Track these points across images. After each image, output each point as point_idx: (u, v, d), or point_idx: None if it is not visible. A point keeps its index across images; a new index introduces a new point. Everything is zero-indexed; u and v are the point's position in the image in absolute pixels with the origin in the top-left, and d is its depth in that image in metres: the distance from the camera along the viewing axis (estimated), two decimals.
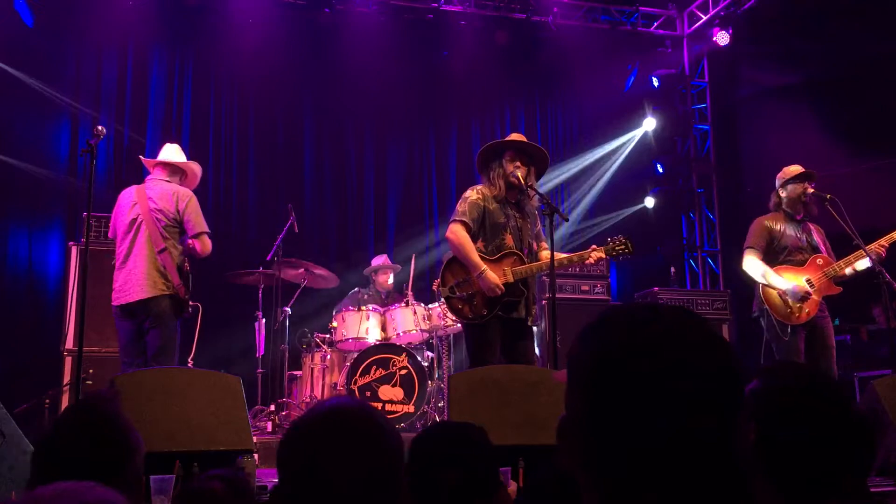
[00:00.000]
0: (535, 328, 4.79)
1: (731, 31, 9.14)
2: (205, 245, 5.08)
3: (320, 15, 8.56)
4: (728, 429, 0.91)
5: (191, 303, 5.13)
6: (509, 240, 4.62)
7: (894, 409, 3.96)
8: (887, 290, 4.96)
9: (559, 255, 4.46)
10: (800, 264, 5.20)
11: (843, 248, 5.27)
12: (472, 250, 4.54)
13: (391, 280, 7.50)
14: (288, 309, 6.64)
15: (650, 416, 0.89)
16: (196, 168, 5.43)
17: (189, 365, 6.16)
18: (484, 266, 4.49)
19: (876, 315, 7.81)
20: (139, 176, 7.97)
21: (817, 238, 5.30)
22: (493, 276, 4.47)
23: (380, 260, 7.59)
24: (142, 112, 8.29)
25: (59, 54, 8.01)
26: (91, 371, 5.86)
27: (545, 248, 4.82)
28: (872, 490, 3.21)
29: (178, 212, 5.05)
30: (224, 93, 8.65)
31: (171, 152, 5.35)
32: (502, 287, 4.47)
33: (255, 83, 8.64)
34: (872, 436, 1.56)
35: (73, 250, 6.42)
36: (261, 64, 8.49)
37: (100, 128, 4.52)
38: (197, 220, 5.09)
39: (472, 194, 4.69)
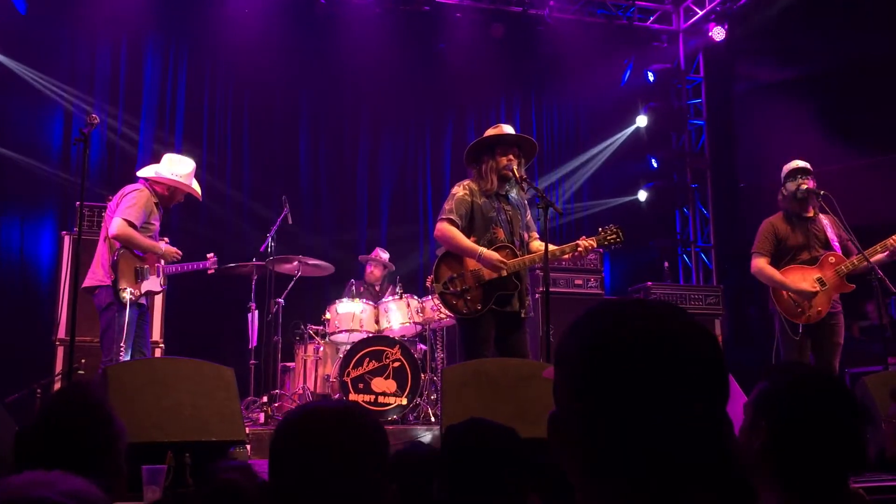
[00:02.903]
0: (530, 318, 4.77)
1: (726, 27, 9.16)
2: (116, 226, 5.07)
3: (316, 6, 8.53)
4: (718, 422, 0.91)
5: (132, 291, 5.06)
6: (500, 233, 4.61)
7: (885, 406, 3.98)
8: (880, 287, 4.97)
9: (551, 248, 4.46)
10: (810, 263, 5.18)
11: None
12: (462, 238, 4.53)
13: (381, 274, 7.50)
14: (281, 300, 6.63)
15: (640, 411, 0.88)
16: (162, 179, 5.39)
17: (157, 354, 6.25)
18: (480, 248, 4.49)
19: (870, 311, 7.83)
20: (132, 165, 7.99)
21: (831, 233, 5.24)
22: (493, 254, 4.47)
23: (373, 252, 7.60)
24: (136, 101, 8.25)
25: (53, 42, 7.96)
26: (83, 361, 5.85)
27: (536, 238, 4.83)
28: (866, 486, 3.23)
29: (118, 206, 5.18)
30: (219, 83, 8.61)
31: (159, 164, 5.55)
32: (506, 262, 4.47)
33: (250, 73, 8.60)
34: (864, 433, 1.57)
35: (66, 240, 6.41)
36: (256, 54, 8.45)
37: (93, 116, 4.53)
38: (123, 206, 5.13)
39: (458, 191, 4.67)
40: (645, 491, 0.88)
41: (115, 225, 5.06)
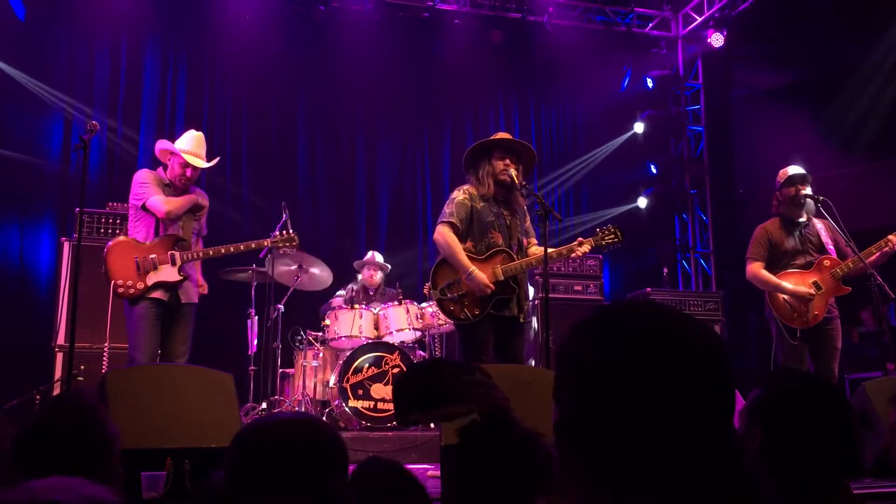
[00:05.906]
0: (528, 324, 4.77)
1: (725, 33, 9.18)
2: (154, 208, 4.84)
3: (315, 12, 8.56)
4: (726, 428, 0.89)
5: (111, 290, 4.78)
6: (498, 238, 4.62)
7: (884, 411, 3.98)
8: (878, 292, 4.97)
9: (548, 251, 4.46)
10: (805, 268, 5.17)
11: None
12: (459, 251, 4.54)
13: (378, 277, 7.43)
14: (281, 306, 6.63)
15: (649, 415, 0.87)
16: (163, 145, 5.16)
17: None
18: (472, 267, 4.48)
19: (864, 318, 7.84)
20: (132, 171, 7.98)
21: (826, 237, 5.24)
22: (482, 276, 4.46)
23: (368, 255, 7.53)
24: (135, 106, 8.25)
25: (52, 48, 7.97)
26: (82, 367, 5.84)
27: (534, 244, 4.84)
28: (867, 492, 3.23)
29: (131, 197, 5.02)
30: (218, 88, 8.62)
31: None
32: (492, 286, 4.47)
33: (249, 79, 8.61)
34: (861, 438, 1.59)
35: (66, 246, 6.39)
36: (255, 60, 8.47)
37: (93, 122, 4.51)
38: (137, 193, 4.95)
39: (458, 195, 4.69)
40: (649, 497, 0.86)
41: (154, 208, 4.83)
